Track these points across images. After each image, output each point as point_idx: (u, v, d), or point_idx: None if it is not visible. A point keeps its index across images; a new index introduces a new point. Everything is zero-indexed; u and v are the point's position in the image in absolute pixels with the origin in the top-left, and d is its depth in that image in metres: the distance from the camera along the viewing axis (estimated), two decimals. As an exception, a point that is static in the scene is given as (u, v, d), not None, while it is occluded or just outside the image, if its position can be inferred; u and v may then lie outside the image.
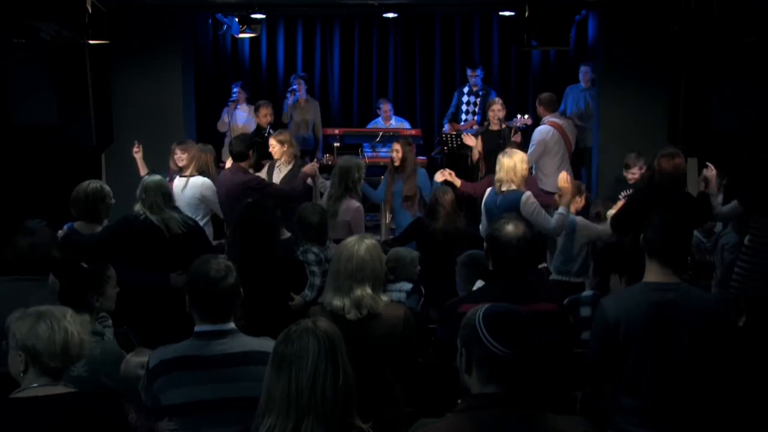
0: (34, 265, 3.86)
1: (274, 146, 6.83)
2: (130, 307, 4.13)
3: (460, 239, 5.69)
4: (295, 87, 9.63)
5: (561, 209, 5.48)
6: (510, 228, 3.30)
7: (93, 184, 5.19)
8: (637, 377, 3.06)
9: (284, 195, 6.23)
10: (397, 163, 7.12)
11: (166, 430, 2.91)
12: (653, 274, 3.14)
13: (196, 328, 2.98)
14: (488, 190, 5.84)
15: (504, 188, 5.48)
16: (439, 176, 6.65)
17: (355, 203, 6.05)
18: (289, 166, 6.80)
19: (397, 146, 7.20)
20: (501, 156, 5.58)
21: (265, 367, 2.72)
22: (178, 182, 6.43)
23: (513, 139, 8.01)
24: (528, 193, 5.45)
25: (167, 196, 5.08)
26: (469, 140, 8.10)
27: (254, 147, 6.39)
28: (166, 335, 4.25)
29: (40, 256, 3.90)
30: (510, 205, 5.35)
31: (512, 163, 5.46)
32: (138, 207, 4.95)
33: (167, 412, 2.92)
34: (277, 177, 6.83)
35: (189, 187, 6.33)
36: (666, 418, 3.05)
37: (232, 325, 2.99)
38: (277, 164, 6.92)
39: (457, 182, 6.69)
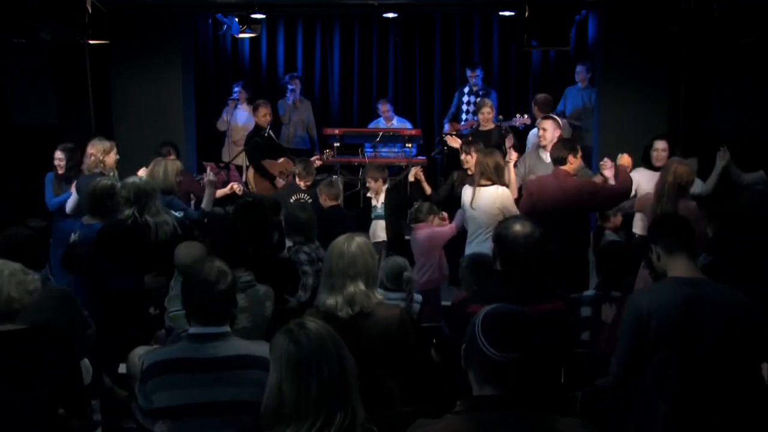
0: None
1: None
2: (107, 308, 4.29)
3: None
4: (292, 87, 9.63)
5: None
6: (518, 227, 3.26)
7: (104, 180, 5.29)
8: (663, 372, 3.01)
9: (615, 196, 5.75)
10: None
11: None
12: (680, 269, 3.11)
13: (190, 330, 2.96)
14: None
15: None
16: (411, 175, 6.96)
17: (692, 202, 5.67)
18: None
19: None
20: None
21: (257, 371, 2.77)
22: (466, 191, 5.97)
23: (506, 140, 7.95)
24: None
25: (159, 199, 5.23)
26: (453, 141, 7.98)
27: (576, 151, 5.74)
28: (135, 336, 4.38)
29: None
30: None
31: None
32: (131, 210, 5.03)
33: (159, 414, 2.91)
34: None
35: (482, 197, 5.81)
36: (690, 416, 3.00)
37: (226, 328, 2.96)
38: None
39: (427, 190, 6.95)
